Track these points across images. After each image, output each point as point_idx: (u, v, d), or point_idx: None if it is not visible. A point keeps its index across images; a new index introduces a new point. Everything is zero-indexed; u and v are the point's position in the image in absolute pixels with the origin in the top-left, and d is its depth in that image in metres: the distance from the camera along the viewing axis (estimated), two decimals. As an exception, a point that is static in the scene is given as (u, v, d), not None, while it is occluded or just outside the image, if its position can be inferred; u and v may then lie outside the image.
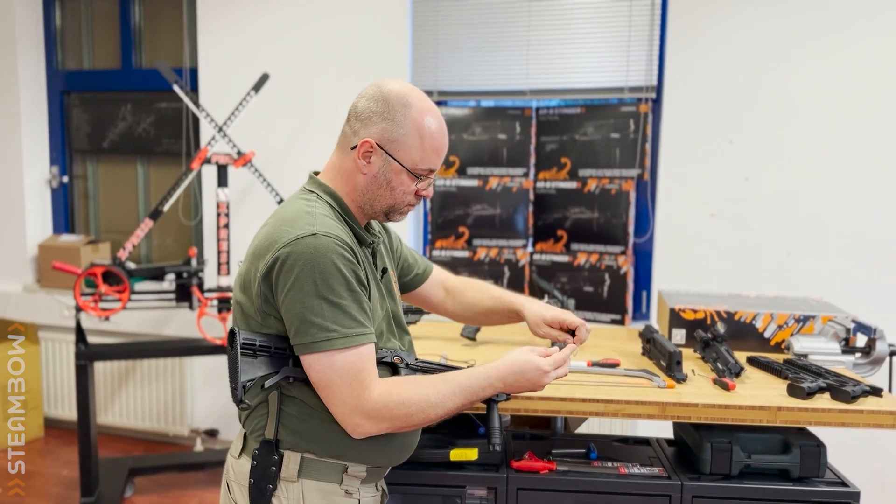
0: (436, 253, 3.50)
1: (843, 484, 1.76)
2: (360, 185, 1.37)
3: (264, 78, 3.21)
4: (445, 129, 1.38)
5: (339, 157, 1.40)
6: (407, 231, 3.46)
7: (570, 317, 1.62)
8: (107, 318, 3.03)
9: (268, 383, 1.31)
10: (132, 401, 3.87)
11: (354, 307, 1.27)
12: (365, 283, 1.32)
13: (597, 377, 1.88)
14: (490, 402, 1.40)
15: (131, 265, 3.07)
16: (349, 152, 1.36)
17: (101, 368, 3.84)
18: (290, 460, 1.34)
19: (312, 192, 1.39)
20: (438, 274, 1.82)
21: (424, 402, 1.29)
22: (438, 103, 3.45)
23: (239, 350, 1.28)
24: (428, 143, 1.34)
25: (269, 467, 1.33)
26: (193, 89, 3.66)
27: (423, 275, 1.76)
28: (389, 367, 1.40)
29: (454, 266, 3.48)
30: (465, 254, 3.48)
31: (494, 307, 1.77)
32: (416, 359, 1.46)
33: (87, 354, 3.01)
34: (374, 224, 1.54)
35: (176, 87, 3.15)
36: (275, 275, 1.26)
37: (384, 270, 1.47)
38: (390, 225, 1.68)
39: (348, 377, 1.26)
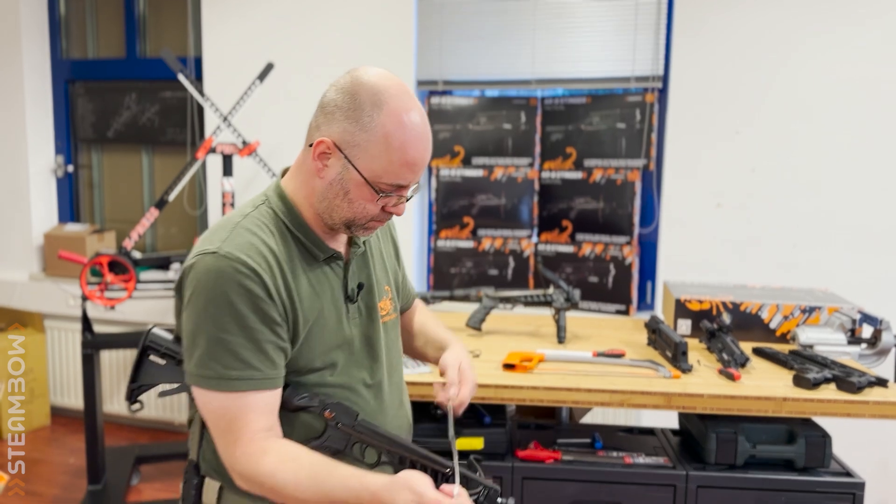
0: (440, 243, 3.50)
1: (848, 474, 1.77)
2: (317, 189, 1.16)
3: (269, 67, 3.20)
4: (425, 139, 1.13)
5: (302, 153, 1.20)
6: (411, 221, 3.46)
7: (450, 372, 1.31)
8: (112, 308, 3.04)
9: (161, 393, 1.21)
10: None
11: (246, 346, 1.08)
12: (280, 316, 1.12)
13: (602, 367, 1.89)
14: None
15: (137, 254, 3.08)
16: (308, 150, 1.16)
17: (106, 357, 3.86)
18: (209, 488, 1.21)
19: (265, 196, 1.22)
20: (416, 306, 1.58)
21: (280, 488, 1.08)
22: (443, 93, 3.44)
23: (140, 349, 1.19)
24: (396, 154, 1.10)
25: (191, 490, 1.22)
26: (198, 78, 3.66)
27: (404, 306, 1.51)
28: (323, 420, 1.18)
29: (459, 257, 3.48)
30: (470, 244, 3.47)
31: (424, 349, 1.51)
32: (362, 419, 1.18)
33: (93, 343, 3.02)
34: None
35: (181, 77, 3.14)
36: (182, 288, 1.14)
37: (359, 286, 1.25)
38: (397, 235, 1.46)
39: (221, 422, 1.10)
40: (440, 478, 1.13)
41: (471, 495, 1.09)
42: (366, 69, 1.14)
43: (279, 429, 1.14)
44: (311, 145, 1.15)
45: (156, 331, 1.21)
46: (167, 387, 1.21)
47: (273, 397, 1.12)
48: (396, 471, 1.11)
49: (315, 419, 1.17)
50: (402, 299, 1.46)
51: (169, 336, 1.20)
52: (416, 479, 1.02)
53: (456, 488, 1.03)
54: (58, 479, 3.36)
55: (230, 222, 1.15)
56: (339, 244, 1.24)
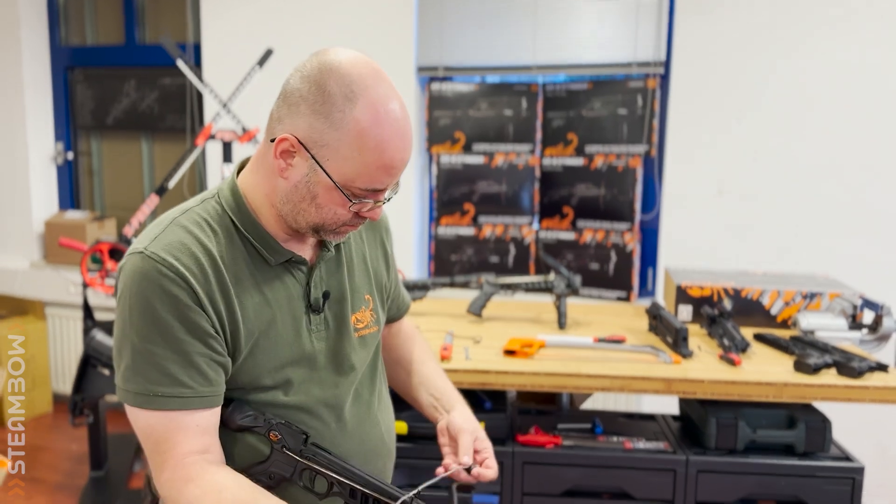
0: (441, 230, 3.50)
1: (848, 459, 1.77)
2: (279, 189, 1.02)
3: (268, 53, 3.19)
4: (405, 136, 0.98)
5: (264, 146, 1.04)
6: (411, 209, 3.45)
7: (465, 439, 1.19)
8: (113, 295, 3.04)
9: (107, 408, 1.09)
10: (139, 377, 3.90)
11: (174, 359, 0.97)
12: (213, 327, 1.00)
13: (603, 353, 1.89)
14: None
15: (137, 241, 3.07)
16: (270, 144, 1.01)
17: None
18: None
19: (217, 190, 1.09)
20: (413, 335, 1.45)
21: None
22: (444, 79, 3.42)
23: (83, 358, 1.09)
24: (372, 156, 0.96)
25: None
26: (197, 65, 3.64)
27: (394, 316, 1.38)
28: (269, 443, 1.06)
29: (459, 244, 3.48)
30: (471, 231, 3.47)
31: (417, 394, 1.38)
32: (311, 442, 1.06)
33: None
34: (348, 234, 1.15)
35: (180, 63, 3.13)
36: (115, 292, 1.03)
37: (325, 295, 1.12)
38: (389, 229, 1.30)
39: (149, 443, 1.00)
40: None
41: None
42: (335, 52, 0.99)
43: (218, 451, 1.02)
44: (272, 140, 0.99)
45: (99, 338, 1.07)
46: (113, 399, 1.12)
47: (208, 417, 1.00)
48: None
49: (261, 441, 1.05)
50: (393, 309, 1.33)
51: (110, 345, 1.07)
52: None
53: None
54: (60, 466, 3.38)
55: (167, 218, 1.04)
56: (305, 247, 1.11)
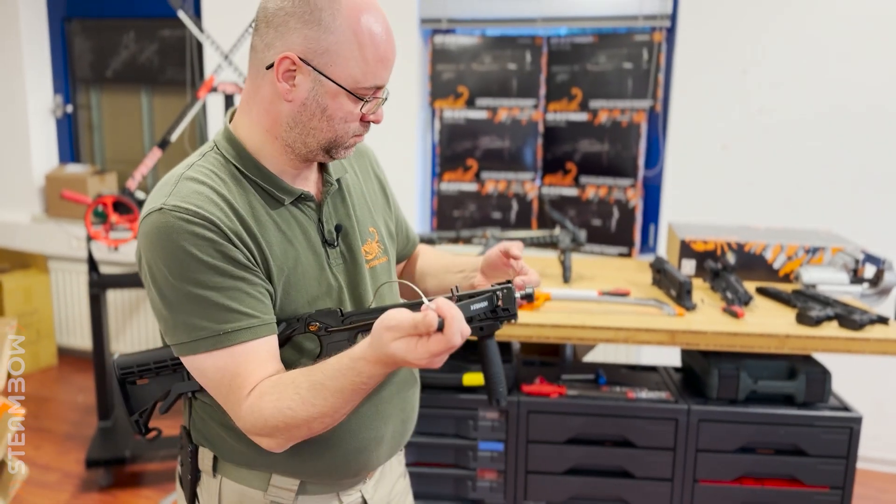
0: (444, 186, 3.49)
1: (846, 409, 1.81)
2: (284, 116, 1.03)
3: (270, 4, 3.14)
4: (391, 30, 1.03)
5: (252, 82, 1.06)
6: (414, 164, 3.44)
7: (516, 250, 1.21)
8: (116, 248, 3.04)
9: (161, 409, 1.13)
10: (143, 329, 3.93)
11: (229, 295, 0.99)
12: (249, 260, 1.01)
13: (607, 306, 1.91)
14: (481, 339, 1.04)
15: (141, 195, 3.07)
16: (264, 73, 1.02)
17: (110, 298, 3.89)
18: (204, 456, 1.16)
19: (214, 142, 1.09)
20: (415, 253, 1.46)
21: (292, 418, 0.98)
22: (447, 31, 3.38)
23: (119, 383, 1.13)
24: (370, 50, 0.99)
25: (187, 456, 1.17)
26: (197, 15, 3.58)
27: (405, 252, 1.39)
28: (313, 340, 1.09)
29: (462, 200, 3.48)
30: (474, 187, 3.47)
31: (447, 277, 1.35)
32: (348, 312, 1.09)
33: (100, 283, 3.04)
34: (345, 168, 1.19)
35: (180, 13, 3.08)
36: (140, 259, 1.03)
37: (337, 228, 1.14)
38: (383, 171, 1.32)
39: (223, 385, 1.02)
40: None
41: (479, 302, 0.99)
42: None
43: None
44: (269, 67, 1.00)
45: (120, 360, 1.12)
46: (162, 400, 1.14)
47: (273, 342, 1.03)
48: None
49: (307, 352, 1.09)
50: (401, 244, 1.34)
51: (134, 354, 1.12)
52: (390, 317, 0.90)
53: (431, 304, 0.89)
54: (68, 416, 3.43)
55: (174, 175, 1.04)
56: (309, 184, 1.12)
